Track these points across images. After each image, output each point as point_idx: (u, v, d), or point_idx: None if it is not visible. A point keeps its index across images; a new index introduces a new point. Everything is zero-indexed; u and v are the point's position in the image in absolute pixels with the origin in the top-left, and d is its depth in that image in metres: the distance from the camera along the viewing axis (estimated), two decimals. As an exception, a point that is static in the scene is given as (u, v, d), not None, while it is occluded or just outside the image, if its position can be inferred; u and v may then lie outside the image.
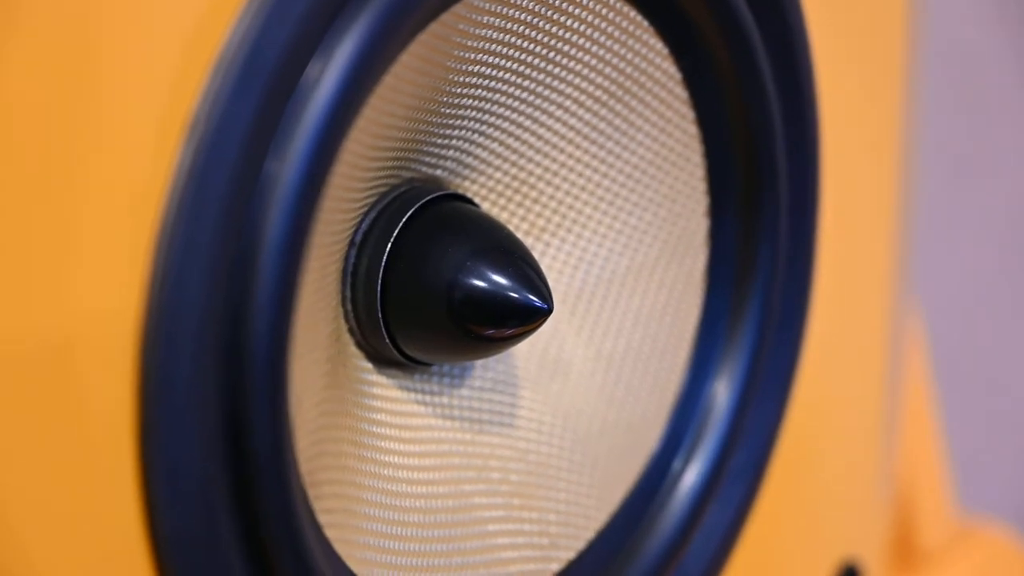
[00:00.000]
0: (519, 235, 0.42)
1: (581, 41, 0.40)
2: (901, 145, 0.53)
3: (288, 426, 0.33)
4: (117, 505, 0.31)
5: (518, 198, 0.42)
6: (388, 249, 0.39)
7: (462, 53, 0.37)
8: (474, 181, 0.41)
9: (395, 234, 0.39)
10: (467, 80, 0.38)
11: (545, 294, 0.38)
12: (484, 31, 0.37)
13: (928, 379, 0.66)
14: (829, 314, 0.50)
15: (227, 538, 0.32)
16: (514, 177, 0.42)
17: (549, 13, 0.39)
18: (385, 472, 0.38)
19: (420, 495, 0.39)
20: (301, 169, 0.32)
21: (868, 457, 0.56)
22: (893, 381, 0.57)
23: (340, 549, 0.36)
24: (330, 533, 0.36)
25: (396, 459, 0.39)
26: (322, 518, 0.35)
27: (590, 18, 0.39)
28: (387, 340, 0.39)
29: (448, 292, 0.38)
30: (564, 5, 0.39)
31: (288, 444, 0.33)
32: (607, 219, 0.43)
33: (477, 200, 0.41)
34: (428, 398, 0.41)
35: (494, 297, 0.38)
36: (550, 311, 0.38)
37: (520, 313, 0.38)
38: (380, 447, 0.39)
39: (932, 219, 0.95)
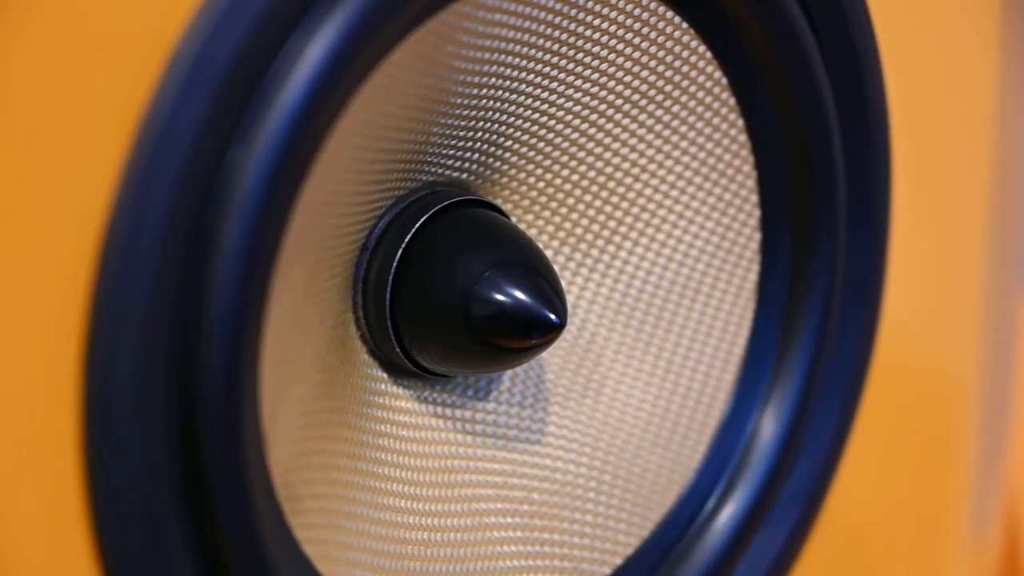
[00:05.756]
0: (554, 244, 0.40)
1: (611, 42, 0.38)
2: (997, 146, 0.49)
3: (248, 440, 0.31)
4: (62, 528, 0.30)
5: (553, 205, 0.40)
6: (399, 255, 0.37)
7: (472, 53, 0.36)
8: (504, 187, 0.40)
9: (407, 239, 0.37)
10: (483, 81, 0.37)
11: (558, 308, 0.36)
12: (495, 29, 0.36)
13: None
14: (909, 331, 0.47)
15: (179, 555, 0.31)
16: (548, 183, 0.40)
17: (568, 11, 0.37)
18: (385, 487, 0.37)
19: (425, 512, 0.38)
20: (270, 158, 0.31)
21: (963, 485, 0.53)
22: (997, 404, 0.54)
23: (322, 567, 0.35)
24: (309, 550, 0.34)
25: (401, 473, 0.37)
26: (300, 534, 0.34)
27: (619, 17, 0.37)
28: (397, 349, 0.37)
29: (455, 301, 0.36)
30: (585, 2, 0.37)
31: (248, 458, 0.31)
32: (650, 230, 0.41)
33: (507, 207, 0.40)
34: (447, 411, 0.39)
35: (503, 308, 0.36)
36: (562, 326, 0.36)
37: (531, 326, 0.36)
38: (382, 460, 0.37)
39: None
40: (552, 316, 0.36)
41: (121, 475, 0.30)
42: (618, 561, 0.40)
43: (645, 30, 0.38)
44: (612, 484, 0.40)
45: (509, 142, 0.39)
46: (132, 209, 0.29)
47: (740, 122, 0.40)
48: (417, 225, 0.37)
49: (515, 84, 0.37)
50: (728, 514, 0.41)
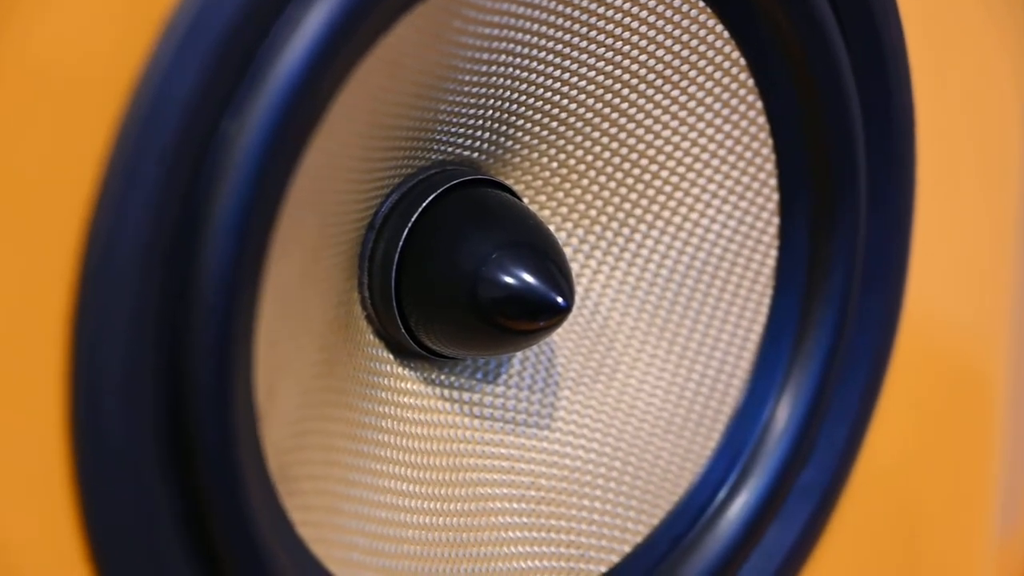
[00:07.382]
0: (567, 226, 0.40)
1: (624, 19, 0.37)
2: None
3: (239, 418, 0.31)
4: (50, 510, 0.29)
5: (566, 186, 0.39)
6: (405, 234, 0.36)
7: (481, 28, 0.35)
8: (516, 167, 0.39)
9: (413, 218, 0.36)
10: (493, 57, 0.36)
11: (566, 290, 0.36)
12: (503, 4, 0.35)
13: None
14: (935, 322, 0.46)
15: (170, 536, 0.30)
16: (561, 164, 0.39)
17: None
18: (387, 469, 0.36)
19: (428, 496, 0.37)
20: (266, 130, 0.30)
21: (989, 481, 0.52)
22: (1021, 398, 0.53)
23: (317, 549, 0.34)
24: (304, 532, 0.34)
25: (404, 456, 0.37)
26: (295, 516, 0.33)
27: None
28: (403, 330, 0.37)
29: (462, 282, 0.36)
30: None
31: (239, 436, 0.31)
32: (665, 213, 0.40)
33: (519, 187, 0.39)
34: (454, 393, 0.39)
35: (510, 290, 0.35)
36: (569, 309, 0.36)
37: (538, 309, 0.35)
38: (384, 442, 0.36)
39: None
40: (559, 299, 0.35)
41: (110, 459, 0.29)
42: (627, 549, 0.40)
43: (660, 7, 0.37)
44: (622, 471, 0.40)
45: (520, 120, 0.38)
46: (121, 182, 0.29)
47: (759, 103, 0.39)
48: (424, 204, 0.36)
49: (526, 61, 0.36)
50: (740, 504, 0.40)
